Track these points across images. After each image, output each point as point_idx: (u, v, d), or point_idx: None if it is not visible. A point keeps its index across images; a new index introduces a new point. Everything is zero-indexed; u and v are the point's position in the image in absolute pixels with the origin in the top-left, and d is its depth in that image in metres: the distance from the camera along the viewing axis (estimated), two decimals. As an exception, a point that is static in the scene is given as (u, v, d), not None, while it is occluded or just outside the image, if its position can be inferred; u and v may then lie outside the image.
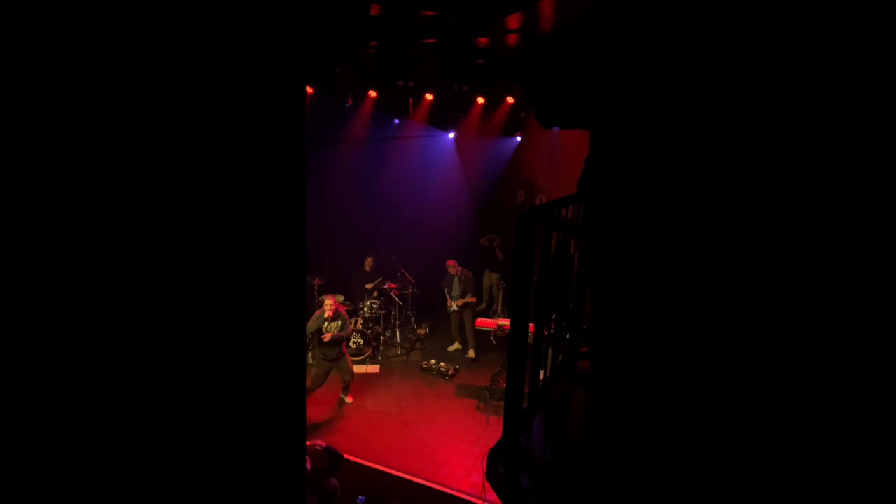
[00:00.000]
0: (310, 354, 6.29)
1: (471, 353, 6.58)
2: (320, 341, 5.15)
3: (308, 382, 5.13)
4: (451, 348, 6.87)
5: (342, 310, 5.34)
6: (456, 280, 6.57)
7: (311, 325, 5.13)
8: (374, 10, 4.75)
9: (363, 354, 6.44)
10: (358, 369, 6.28)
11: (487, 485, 2.03)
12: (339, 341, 5.22)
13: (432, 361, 6.41)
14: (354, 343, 6.43)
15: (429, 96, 7.13)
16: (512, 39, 5.40)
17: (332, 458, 3.45)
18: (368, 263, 7.22)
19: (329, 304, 5.17)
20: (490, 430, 4.97)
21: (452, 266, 6.62)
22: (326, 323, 5.15)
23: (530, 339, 1.95)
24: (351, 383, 5.51)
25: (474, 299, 6.59)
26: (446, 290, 6.70)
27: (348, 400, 5.49)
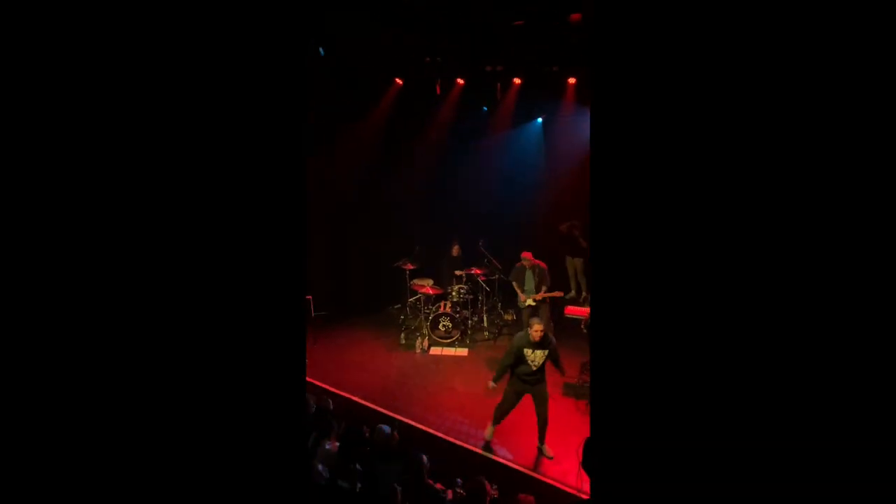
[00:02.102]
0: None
1: None
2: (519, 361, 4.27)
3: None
4: None
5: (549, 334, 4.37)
6: (529, 273, 6.17)
7: (506, 358, 4.25)
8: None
9: (452, 338, 6.63)
10: (447, 352, 6.49)
11: (583, 473, 2.03)
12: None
13: (520, 347, 6.42)
14: (444, 326, 6.63)
15: (517, 80, 7.01)
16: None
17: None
18: (456, 250, 7.37)
19: (538, 328, 4.15)
20: (579, 418, 4.90)
21: (527, 258, 6.17)
22: (530, 350, 4.17)
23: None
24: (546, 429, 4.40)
25: (561, 293, 6.06)
26: (516, 284, 6.28)
27: (549, 453, 4.36)
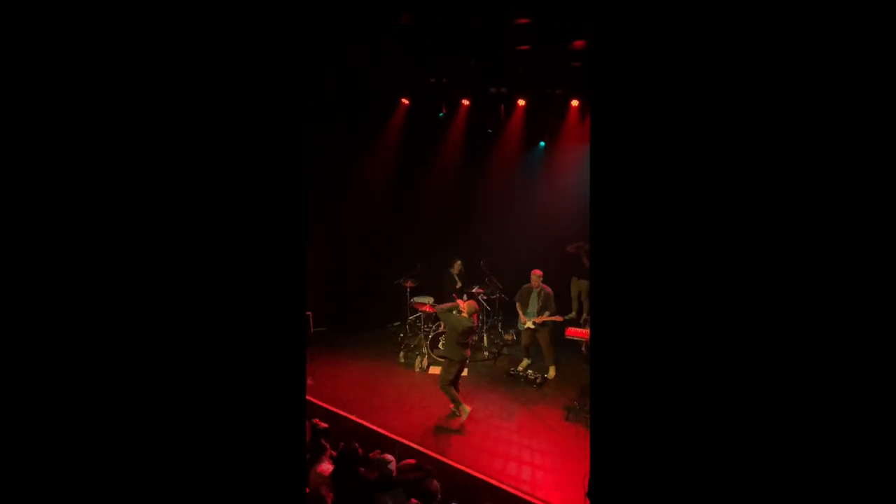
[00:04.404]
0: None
1: (551, 373, 6.26)
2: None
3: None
4: (520, 367, 6.39)
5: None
6: (534, 294, 6.13)
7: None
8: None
9: (451, 357, 6.56)
10: (446, 372, 6.42)
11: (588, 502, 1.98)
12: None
13: (520, 368, 6.36)
14: (443, 345, 6.58)
15: (521, 102, 7.11)
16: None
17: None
18: (456, 267, 7.36)
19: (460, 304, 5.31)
20: (579, 442, 4.82)
21: (537, 276, 6.14)
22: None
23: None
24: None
25: (560, 318, 6.06)
26: (519, 305, 6.26)
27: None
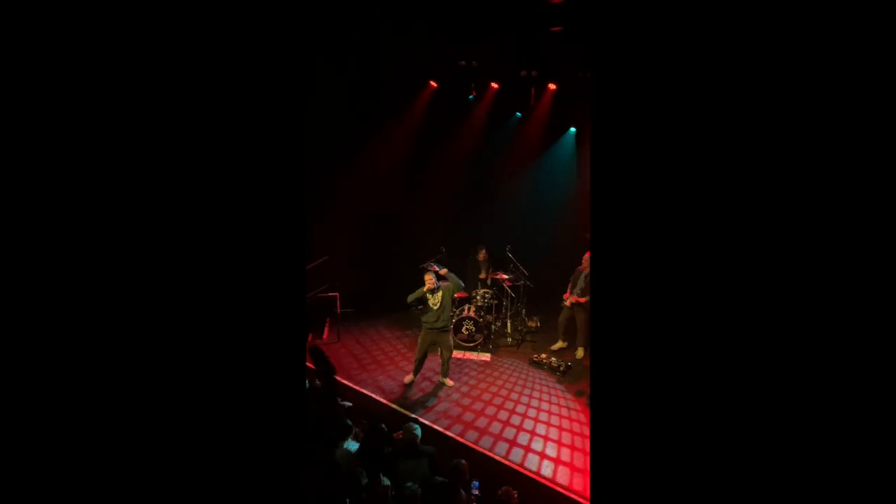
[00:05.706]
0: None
1: (579, 353, 6.32)
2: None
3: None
4: (555, 347, 6.58)
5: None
6: (583, 276, 6.20)
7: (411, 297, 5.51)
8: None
9: (475, 342, 6.60)
10: (469, 356, 6.46)
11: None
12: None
13: (543, 355, 6.35)
14: (467, 330, 6.61)
15: (552, 86, 6.96)
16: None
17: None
18: (482, 254, 7.33)
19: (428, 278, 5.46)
20: (602, 433, 4.80)
21: (587, 259, 6.21)
22: (429, 295, 5.40)
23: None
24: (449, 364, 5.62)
25: (582, 300, 6.11)
26: (571, 284, 6.36)
27: (449, 383, 5.65)
